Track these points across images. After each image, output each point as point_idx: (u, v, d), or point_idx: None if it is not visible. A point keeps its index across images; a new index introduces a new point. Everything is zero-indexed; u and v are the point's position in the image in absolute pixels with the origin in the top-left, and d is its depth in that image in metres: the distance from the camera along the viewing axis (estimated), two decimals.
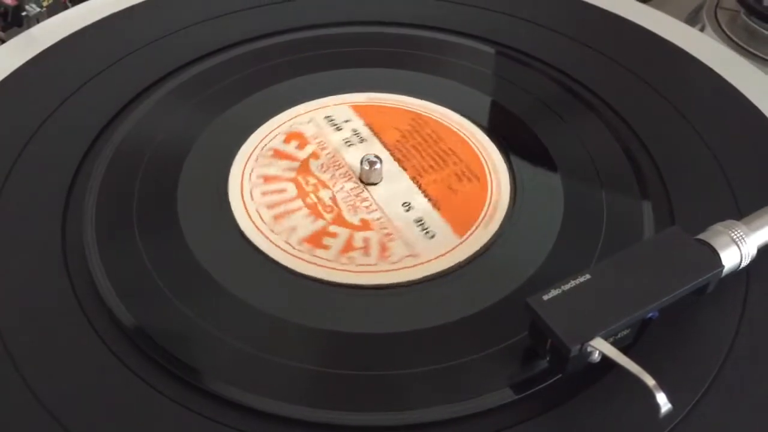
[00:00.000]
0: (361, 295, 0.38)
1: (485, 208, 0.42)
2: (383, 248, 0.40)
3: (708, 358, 0.35)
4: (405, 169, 0.45)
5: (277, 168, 0.45)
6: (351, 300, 0.38)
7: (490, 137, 0.47)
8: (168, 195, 0.43)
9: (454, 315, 0.37)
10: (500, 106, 0.50)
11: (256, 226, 0.41)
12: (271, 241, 0.41)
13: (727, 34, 0.71)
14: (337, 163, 0.45)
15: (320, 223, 0.42)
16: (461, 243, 0.41)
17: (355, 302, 0.38)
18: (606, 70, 0.52)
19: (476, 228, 0.41)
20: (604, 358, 0.33)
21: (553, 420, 0.33)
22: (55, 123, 0.47)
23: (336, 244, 0.41)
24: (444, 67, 0.52)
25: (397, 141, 0.46)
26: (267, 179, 0.44)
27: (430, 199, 0.43)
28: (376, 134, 0.47)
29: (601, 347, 0.32)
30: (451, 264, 0.40)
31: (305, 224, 0.42)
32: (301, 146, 0.46)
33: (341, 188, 0.44)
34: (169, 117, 0.48)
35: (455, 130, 0.47)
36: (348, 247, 0.40)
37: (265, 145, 0.46)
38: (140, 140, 0.46)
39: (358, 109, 0.49)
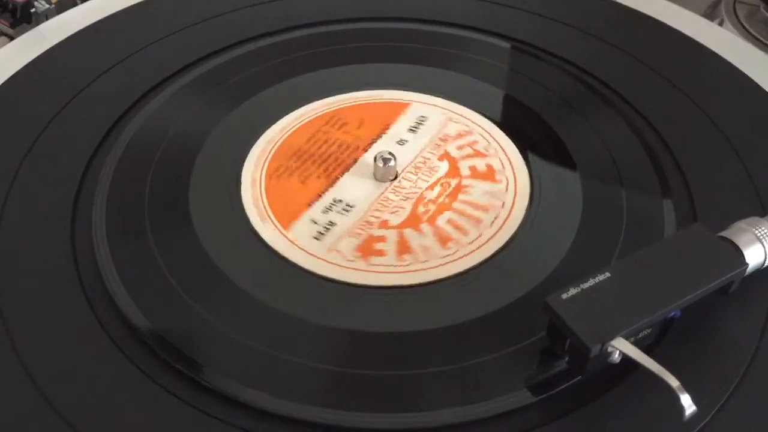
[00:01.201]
0: (378, 294, 0.38)
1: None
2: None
3: (733, 359, 0.34)
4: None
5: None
6: (368, 299, 0.37)
7: (508, 134, 0.46)
8: (180, 191, 0.42)
9: (471, 314, 0.36)
10: (516, 101, 0.49)
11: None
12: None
13: (746, 29, 0.70)
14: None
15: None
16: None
17: (371, 301, 0.37)
18: (624, 65, 0.51)
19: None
20: (625, 359, 0.32)
21: (573, 422, 0.32)
22: (65, 119, 0.47)
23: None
24: (456, 62, 0.52)
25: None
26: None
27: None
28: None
29: (622, 347, 0.32)
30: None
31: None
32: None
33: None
34: (181, 113, 0.47)
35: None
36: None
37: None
38: (152, 137, 0.45)
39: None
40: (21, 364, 0.34)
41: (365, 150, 0.45)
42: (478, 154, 0.44)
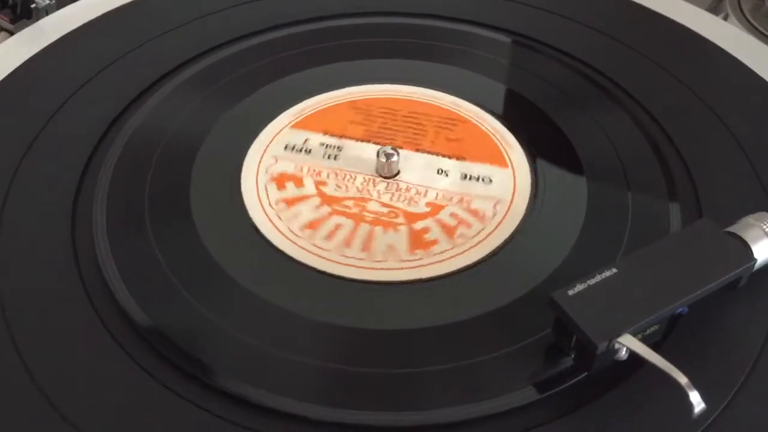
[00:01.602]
0: (385, 291, 0.37)
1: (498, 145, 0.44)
2: (475, 212, 0.41)
3: (741, 355, 0.34)
4: (402, 148, 0.44)
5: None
6: (368, 295, 0.37)
7: (510, 129, 0.46)
8: (181, 188, 0.42)
9: (474, 311, 0.36)
10: (519, 97, 0.48)
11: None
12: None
13: (750, 23, 0.69)
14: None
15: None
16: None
17: (371, 297, 0.37)
18: (628, 60, 0.51)
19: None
20: (632, 355, 0.32)
21: (580, 420, 0.32)
22: (65, 115, 0.46)
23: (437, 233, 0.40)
24: (458, 57, 0.51)
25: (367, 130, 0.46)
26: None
27: (450, 156, 0.43)
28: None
29: (629, 344, 0.31)
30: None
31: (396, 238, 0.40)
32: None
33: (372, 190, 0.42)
34: (182, 109, 0.47)
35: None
36: (449, 228, 0.40)
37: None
38: (152, 133, 0.45)
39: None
40: (22, 362, 0.34)
41: (418, 151, 0.44)
42: (448, 230, 0.40)
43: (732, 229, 0.36)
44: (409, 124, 0.46)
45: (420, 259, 0.38)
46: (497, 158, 0.44)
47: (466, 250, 0.39)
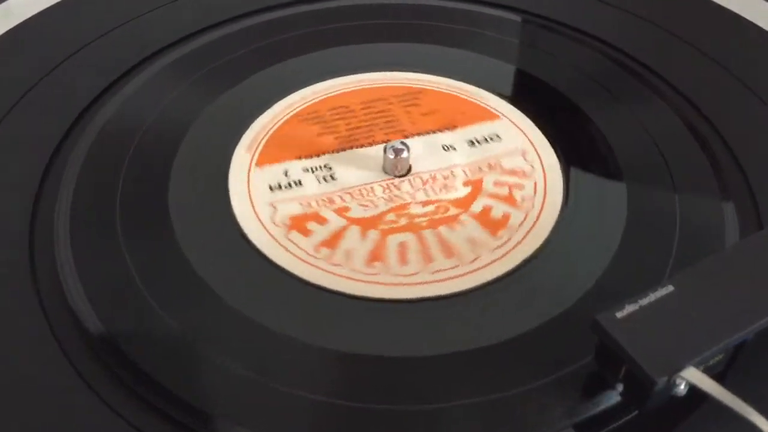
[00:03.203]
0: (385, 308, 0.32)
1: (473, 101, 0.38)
2: (513, 172, 0.37)
3: None
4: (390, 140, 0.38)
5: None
6: (371, 315, 0.31)
7: (537, 124, 0.40)
8: (158, 187, 0.36)
9: (500, 335, 0.30)
10: (548, 87, 0.43)
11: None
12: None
13: None
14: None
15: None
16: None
17: (373, 318, 0.31)
18: (667, 46, 0.45)
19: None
20: (693, 390, 0.26)
21: None
22: (32, 103, 0.41)
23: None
24: (473, 40, 0.46)
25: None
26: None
27: (441, 130, 0.39)
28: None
29: (694, 379, 0.26)
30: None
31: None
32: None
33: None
34: (161, 97, 0.41)
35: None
36: (506, 197, 0.36)
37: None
38: (127, 123, 0.39)
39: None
40: None
41: (408, 137, 0.39)
42: (508, 199, 0.36)
43: None
44: (374, 115, 0.40)
45: (508, 240, 0.34)
46: (484, 114, 0.41)
47: (483, 266, 0.33)
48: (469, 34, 0.46)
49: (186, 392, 0.28)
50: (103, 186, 0.36)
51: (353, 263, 0.33)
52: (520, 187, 0.37)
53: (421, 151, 0.38)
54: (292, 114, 0.40)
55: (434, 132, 0.40)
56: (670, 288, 0.28)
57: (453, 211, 0.35)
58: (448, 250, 0.34)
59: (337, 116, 0.40)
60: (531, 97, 0.42)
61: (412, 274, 0.33)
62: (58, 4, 0.48)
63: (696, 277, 0.28)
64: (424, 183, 0.37)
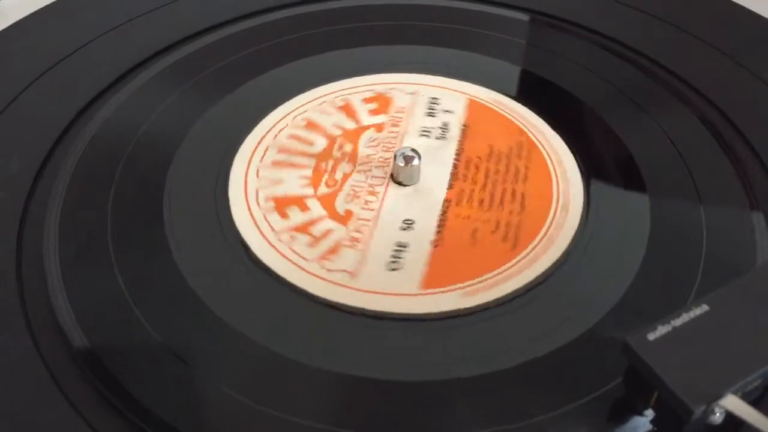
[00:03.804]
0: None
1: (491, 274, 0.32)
2: (333, 250, 0.32)
3: None
4: (451, 187, 0.35)
5: (330, 119, 0.38)
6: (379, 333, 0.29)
7: (559, 133, 0.38)
8: (152, 199, 0.34)
9: (517, 357, 0.28)
10: (568, 95, 0.40)
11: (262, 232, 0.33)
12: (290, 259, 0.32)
13: None
14: (392, 146, 0.37)
15: (307, 190, 0.35)
16: (418, 295, 0.30)
17: (383, 337, 0.29)
18: (696, 53, 0.43)
19: (448, 290, 0.31)
20: (730, 417, 0.24)
21: None
22: (20, 109, 0.39)
23: (297, 218, 0.33)
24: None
25: (478, 157, 0.37)
26: (311, 125, 0.38)
27: (438, 232, 0.33)
28: (462, 139, 0.38)
29: (735, 408, 0.24)
30: (511, 290, 0.31)
31: (291, 184, 0.35)
32: (377, 111, 0.39)
33: (365, 171, 0.36)
34: (156, 104, 0.39)
35: (550, 173, 0.36)
36: (302, 227, 0.33)
37: (338, 96, 0.40)
38: (120, 131, 0.37)
39: (472, 106, 0.40)
40: None
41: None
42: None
43: None
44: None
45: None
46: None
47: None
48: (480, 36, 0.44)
49: (176, 418, 0.26)
50: (95, 196, 0.34)
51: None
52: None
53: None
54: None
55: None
56: (705, 308, 0.26)
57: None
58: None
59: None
60: (555, 106, 0.40)
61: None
62: (49, 6, 0.46)
63: (732, 296, 0.26)
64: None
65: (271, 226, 0.33)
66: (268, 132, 0.38)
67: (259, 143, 0.37)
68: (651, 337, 0.25)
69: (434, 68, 0.42)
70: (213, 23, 0.45)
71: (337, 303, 0.30)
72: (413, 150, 0.35)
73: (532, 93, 0.41)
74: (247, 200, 0.34)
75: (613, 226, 0.33)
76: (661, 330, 0.25)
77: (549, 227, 0.33)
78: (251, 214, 0.33)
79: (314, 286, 0.31)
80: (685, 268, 0.32)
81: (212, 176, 0.35)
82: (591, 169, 0.36)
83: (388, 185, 0.35)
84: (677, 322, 0.26)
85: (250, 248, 0.32)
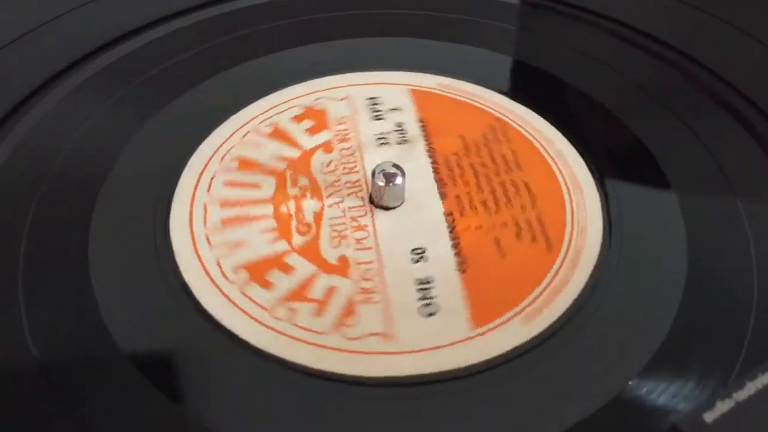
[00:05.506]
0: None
1: (542, 286, 0.27)
2: (348, 311, 0.27)
3: None
4: (444, 196, 0.30)
5: (264, 151, 0.32)
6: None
7: (569, 140, 0.33)
8: (76, 236, 0.29)
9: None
10: (584, 97, 0.35)
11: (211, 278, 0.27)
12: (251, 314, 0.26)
13: None
14: (352, 166, 0.32)
15: (279, 245, 0.29)
16: (475, 337, 0.26)
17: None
18: (741, 51, 0.38)
19: (506, 319, 0.26)
20: None
21: None
22: None
23: (284, 284, 0.27)
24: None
25: (455, 154, 0.32)
26: (245, 164, 0.32)
27: (458, 254, 0.28)
28: (427, 136, 0.33)
29: None
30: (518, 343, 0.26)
31: (257, 243, 0.29)
32: (315, 129, 0.33)
33: (338, 203, 0.30)
34: (82, 118, 0.33)
35: (542, 152, 0.32)
36: (297, 293, 0.27)
37: (262, 121, 0.34)
38: (39, 150, 0.32)
39: (419, 97, 0.35)
40: None
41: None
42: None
43: None
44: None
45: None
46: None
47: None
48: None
49: None
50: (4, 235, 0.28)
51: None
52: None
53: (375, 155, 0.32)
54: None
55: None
56: None
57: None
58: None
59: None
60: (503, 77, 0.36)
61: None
62: None
63: None
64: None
65: (259, 304, 0.27)
66: (196, 188, 0.31)
67: (192, 204, 0.30)
68: (708, 418, 0.21)
69: (354, 64, 0.36)
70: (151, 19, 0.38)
71: (392, 378, 0.24)
72: (395, 165, 0.30)
73: (477, 68, 0.36)
74: (210, 278, 0.28)
75: (639, 258, 0.28)
76: (721, 407, 0.21)
77: (572, 212, 0.30)
78: (228, 298, 0.27)
79: (348, 366, 0.25)
80: (734, 310, 0.26)
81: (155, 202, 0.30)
82: (611, 180, 0.31)
83: (372, 213, 0.30)
84: (741, 395, 0.22)
85: (251, 345, 0.25)
